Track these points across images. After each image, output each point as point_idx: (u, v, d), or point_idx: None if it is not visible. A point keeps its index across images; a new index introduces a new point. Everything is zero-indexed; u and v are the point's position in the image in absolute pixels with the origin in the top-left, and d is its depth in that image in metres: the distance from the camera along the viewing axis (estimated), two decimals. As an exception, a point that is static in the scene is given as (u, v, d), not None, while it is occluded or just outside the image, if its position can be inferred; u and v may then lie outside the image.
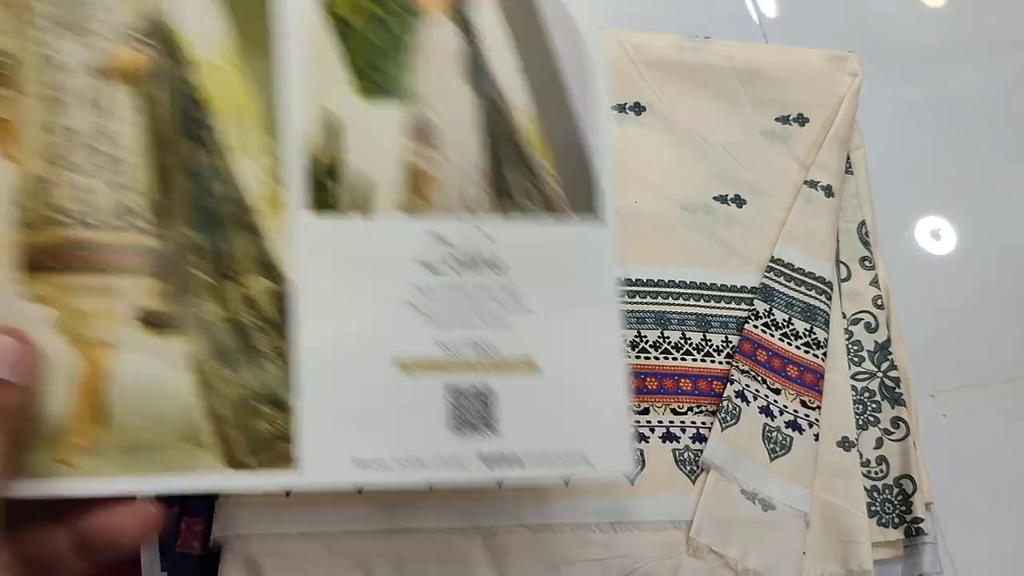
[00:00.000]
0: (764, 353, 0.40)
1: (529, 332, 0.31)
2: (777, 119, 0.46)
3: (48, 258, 0.29)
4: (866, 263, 0.45)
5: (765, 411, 0.39)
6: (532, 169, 0.32)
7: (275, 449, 0.29)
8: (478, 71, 0.31)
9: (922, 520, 0.40)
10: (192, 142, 0.30)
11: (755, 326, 0.41)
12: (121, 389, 0.29)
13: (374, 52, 0.31)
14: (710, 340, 0.42)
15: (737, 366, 0.41)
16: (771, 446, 0.39)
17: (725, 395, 0.40)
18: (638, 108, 0.46)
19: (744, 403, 0.40)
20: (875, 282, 0.45)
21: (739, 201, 0.44)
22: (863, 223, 0.45)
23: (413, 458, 0.30)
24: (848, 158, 0.47)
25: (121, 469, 0.28)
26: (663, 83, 0.47)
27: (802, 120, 0.46)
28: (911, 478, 0.41)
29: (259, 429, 0.29)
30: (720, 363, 0.42)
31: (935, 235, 0.52)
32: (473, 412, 0.31)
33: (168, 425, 0.29)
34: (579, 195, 0.32)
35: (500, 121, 0.32)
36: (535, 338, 0.31)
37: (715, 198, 0.44)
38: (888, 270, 0.47)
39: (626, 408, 0.32)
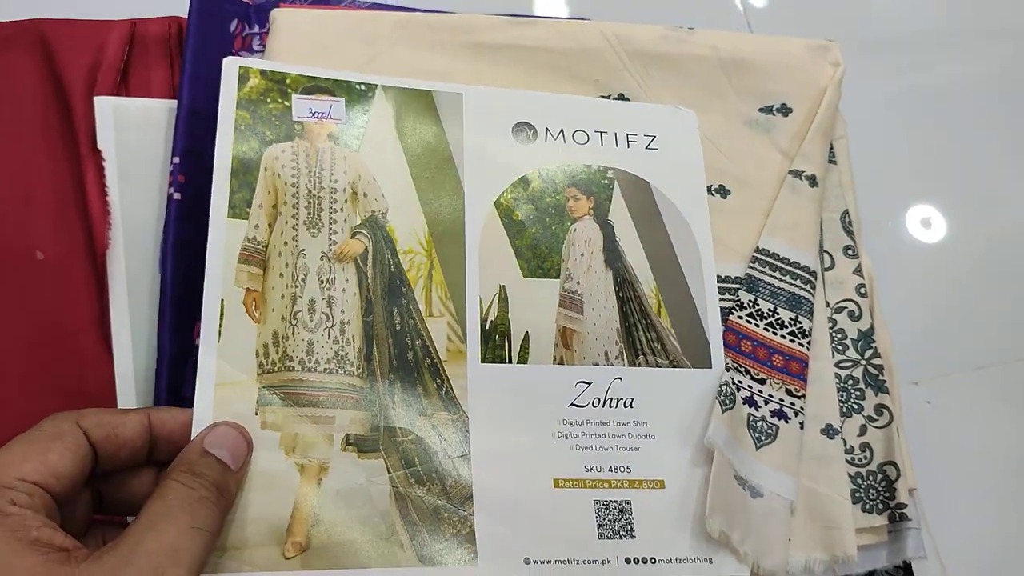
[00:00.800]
0: (749, 343, 0.40)
1: (655, 455, 0.38)
2: (761, 109, 0.46)
3: (279, 394, 0.36)
4: (849, 252, 0.44)
5: (749, 401, 0.39)
6: (656, 330, 0.40)
7: (459, 549, 0.35)
8: (613, 255, 0.41)
9: (906, 506, 0.39)
10: (395, 307, 0.38)
11: (739, 317, 0.40)
12: (332, 497, 0.35)
13: (533, 242, 0.40)
14: None
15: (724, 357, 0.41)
16: (756, 435, 0.39)
17: (722, 379, 0.40)
18: (622, 99, 0.46)
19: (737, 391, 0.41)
20: (858, 271, 0.44)
21: (723, 192, 0.44)
22: (846, 212, 0.45)
23: (571, 559, 0.36)
24: (831, 148, 0.46)
25: (330, 563, 0.34)
26: (647, 74, 0.46)
27: (785, 110, 0.46)
28: (895, 464, 0.40)
29: (445, 532, 0.35)
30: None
31: (925, 223, 0.53)
32: (615, 521, 0.37)
33: (370, 527, 0.35)
34: (692, 348, 0.40)
35: (631, 292, 0.40)
36: (660, 460, 0.38)
37: None
38: (877, 258, 0.46)
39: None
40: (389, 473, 0.36)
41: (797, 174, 0.43)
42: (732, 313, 0.41)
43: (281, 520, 0.34)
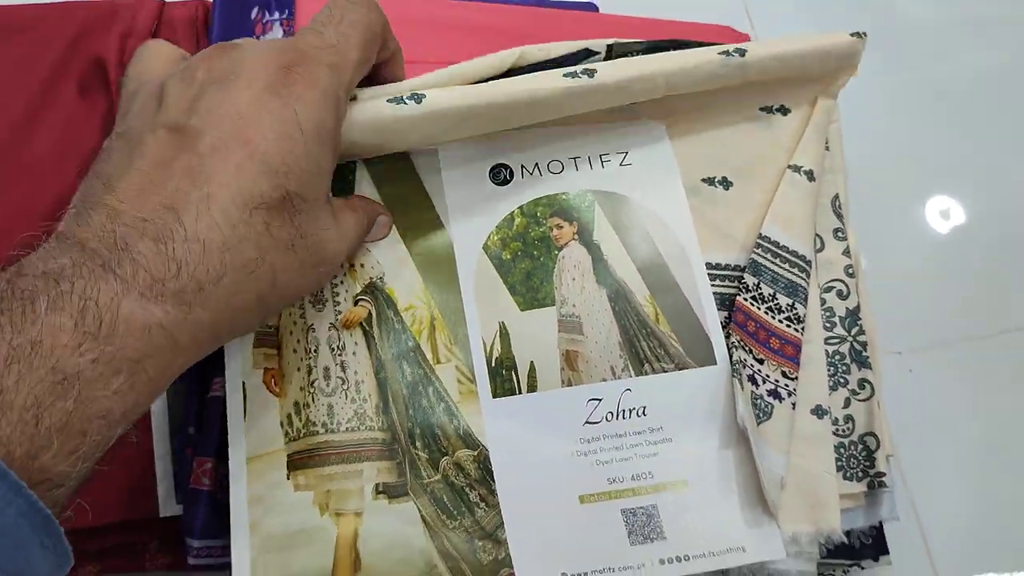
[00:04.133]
0: (752, 324, 0.41)
1: (674, 457, 0.39)
2: (761, 109, 0.47)
3: (306, 458, 0.39)
4: (839, 234, 0.45)
5: (751, 379, 0.40)
6: (657, 337, 0.41)
7: (498, 573, 0.36)
8: (603, 273, 0.42)
9: (884, 474, 0.40)
10: (404, 361, 0.40)
11: (745, 298, 0.41)
12: (370, 543, 0.37)
13: (525, 276, 0.42)
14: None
15: (731, 336, 0.41)
16: (756, 412, 0.40)
17: (734, 358, 0.40)
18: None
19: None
20: (847, 252, 0.44)
21: (726, 183, 0.45)
22: (836, 196, 0.46)
23: (606, 568, 0.37)
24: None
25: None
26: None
27: (784, 110, 0.47)
28: (875, 435, 0.41)
29: (482, 559, 0.37)
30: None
31: (944, 215, 0.55)
32: (644, 527, 0.37)
33: (410, 566, 0.37)
34: (695, 348, 0.41)
35: (626, 306, 0.41)
36: (680, 461, 0.39)
37: (704, 180, 0.45)
38: (875, 237, 0.49)
39: (766, 500, 0.38)
40: (420, 513, 0.38)
41: (796, 168, 0.44)
42: (739, 294, 0.42)
43: (324, 571, 0.36)
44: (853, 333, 0.44)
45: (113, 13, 0.48)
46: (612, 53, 0.45)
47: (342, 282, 0.42)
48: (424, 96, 0.38)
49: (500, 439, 0.39)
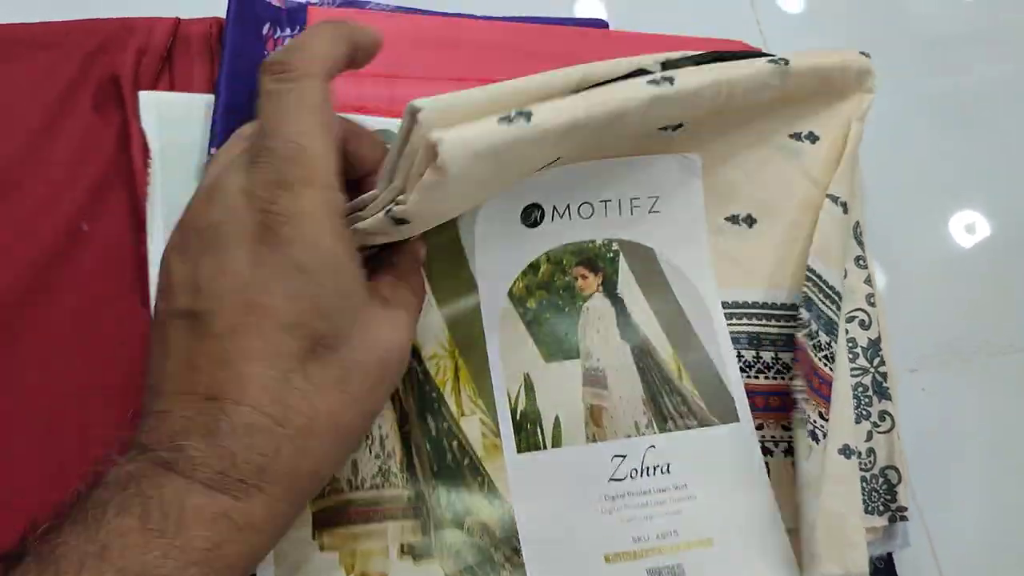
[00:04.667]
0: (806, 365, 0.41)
1: (698, 515, 0.39)
2: (791, 136, 0.46)
3: (332, 517, 0.38)
4: (860, 262, 0.45)
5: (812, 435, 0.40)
6: (681, 393, 0.41)
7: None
8: (627, 326, 0.42)
9: (906, 508, 0.40)
10: (429, 414, 0.40)
11: (800, 334, 0.41)
12: (397, 605, 0.37)
13: (550, 326, 0.42)
14: (762, 357, 0.43)
15: (797, 386, 0.40)
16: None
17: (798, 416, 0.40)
18: (675, 127, 0.44)
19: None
20: (868, 280, 0.45)
21: (750, 221, 0.45)
22: (857, 223, 0.46)
23: None
24: None
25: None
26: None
27: (813, 138, 0.46)
28: (896, 468, 0.41)
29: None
30: (772, 379, 0.42)
31: (969, 229, 0.54)
32: None
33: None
34: (717, 406, 0.41)
35: (650, 361, 0.41)
36: (704, 518, 0.39)
37: (727, 219, 0.45)
38: (889, 251, 0.49)
39: (791, 559, 0.39)
40: (445, 574, 0.38)
41: (834, 199, 0.44)
42: (797, 331, 0.41)
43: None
44: (875, 364, 0.43)
45: (130, 30, 0.47)
46: (666, 68, 0.43)
47: (363, 328, 0.41)
48: (532, 113, 0.32)
49: (525, 496, 0.39)
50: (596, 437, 0.40)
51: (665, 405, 0.41)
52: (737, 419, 0.41)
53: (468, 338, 0.41)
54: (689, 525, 0.39)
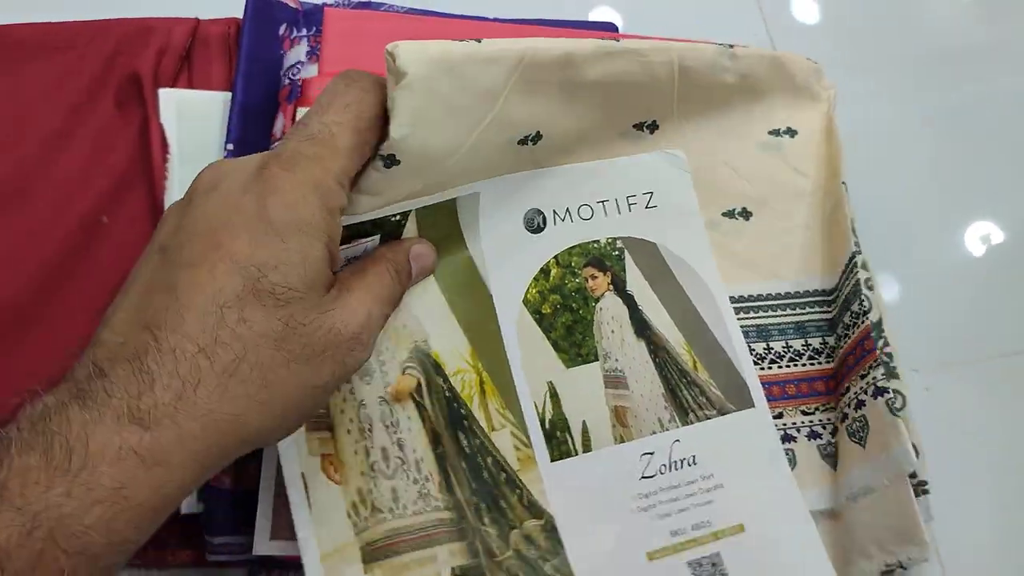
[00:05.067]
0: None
1: (728, 503, 0.41)
2: (770, 132, 0.47)
3: (380, 550, 0.38)
4: (856, 248, 0.45)
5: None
6: (698, 385, 0.43)
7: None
8: (641, 324, 0.43)
9: (926, 482, 0.41)
10: (460, 431, 0.40)
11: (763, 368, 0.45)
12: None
13: (567, 331, 0.42)
14: (772, 348, 0.45)
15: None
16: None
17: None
18: (653, 127, 0.45)
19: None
20: (864, 264, 0.44)
21: (746, 214, 0.46)
22: (852, 219, 0.45)
23: None
24: None
25: None
26: (684, 98, 0.45)
27: (791, 132, 0.47)
28: (914, 446, 0.41)
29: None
30: (786, 367, 0.44)
31: (982, 238, 0.54)
32: (710, 574, 0.40)
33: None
34: (733, 393, 0.43)
35: (665, 355, 0.43)
36: (734, 505, 0.41)
37: (723, 214, 0.46)
38: (897, 253, 0.50)
39: (816, 540, 0.42)
40: (499, 591, 0.39)
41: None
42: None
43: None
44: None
45: (150, 30, 0.49)
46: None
47: (386, 349, 0.40)
48: (481, 40, 0.36)
49: (564, 504, 0.40)
50: (623, 437, 0.42)
51: (684, 398, 0.42)
52: (753, 404, 0.43)
53: (489, 350, 0.41)
54: (720, 514, 0.41)
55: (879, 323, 0.44)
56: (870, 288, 0.45)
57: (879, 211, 0.51)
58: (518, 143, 0.41)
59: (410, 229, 0.41)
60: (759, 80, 0.47)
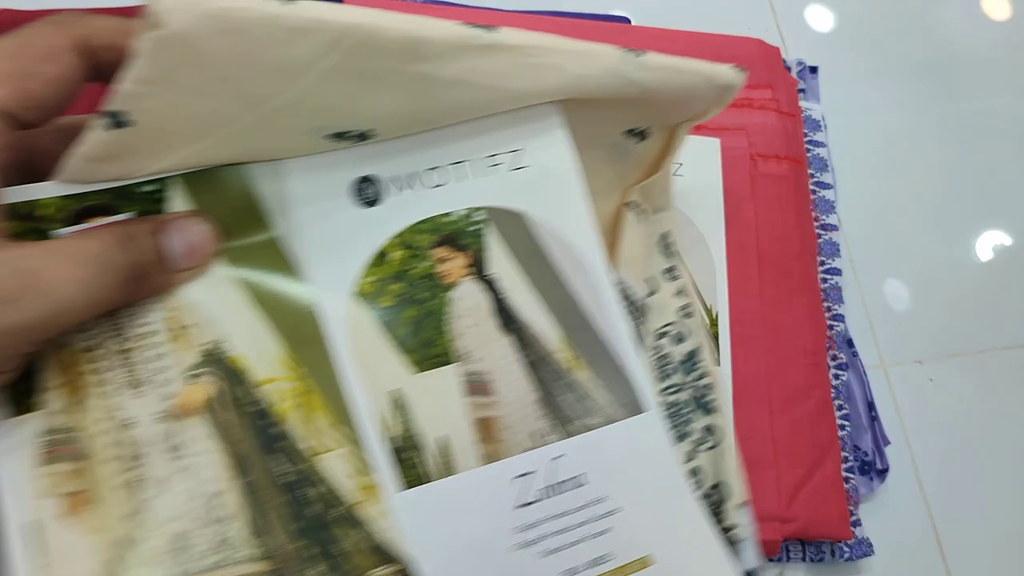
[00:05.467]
0: None
1: (630, 530, 0.33)
2: (625, 132, 0.40)
3: (156, 621, 0.26)
4: (671, 273, 0.41)
5: None
6: (578, 388, 0.34)
7: None
8: (506, 315, 0.34)
9: (735, 526, 0.36)
10: (273, 455, 0.30)
11: None
12: None
13: (412, 328, 0.33)
14: None
15: None
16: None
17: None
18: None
19: None
20: (682, 292, 0.41)
21: None
22: (666, 234, 0.42)
23: None
24: None
25: None
26: None
27: (643, 135, 0.40)
28: (725, 484, 0.37)
29: None
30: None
31: (995, 250, 0.55)
32: None
33: None
34: (621, 395, 0.34)
35: (537, 352, 0.34)
36: (637, 533, 0.33)
37: None
38: (906, 255, 0.51)
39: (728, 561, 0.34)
40: (339, 671, 0.27)
41: (634, 206, 0.40)
42: None
43: None
44: (692, 378, 0.39)
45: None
46: None
47: (162, 354, 0.30)
48: (296, 2, 0.28)
49: (423, 543, 0.30)
50: (492, 456, 0.32)
51: (562, 404, 0.34)
52: (643, 409, 0.35)
53: (312, 355, 0.31)
54: (622, 543, 0.32)
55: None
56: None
57: (889, 213, 0.54)
58: (331, 136, 0.32)
59: (179, 205, 0.31)
60: (660, 83, 0.37)
